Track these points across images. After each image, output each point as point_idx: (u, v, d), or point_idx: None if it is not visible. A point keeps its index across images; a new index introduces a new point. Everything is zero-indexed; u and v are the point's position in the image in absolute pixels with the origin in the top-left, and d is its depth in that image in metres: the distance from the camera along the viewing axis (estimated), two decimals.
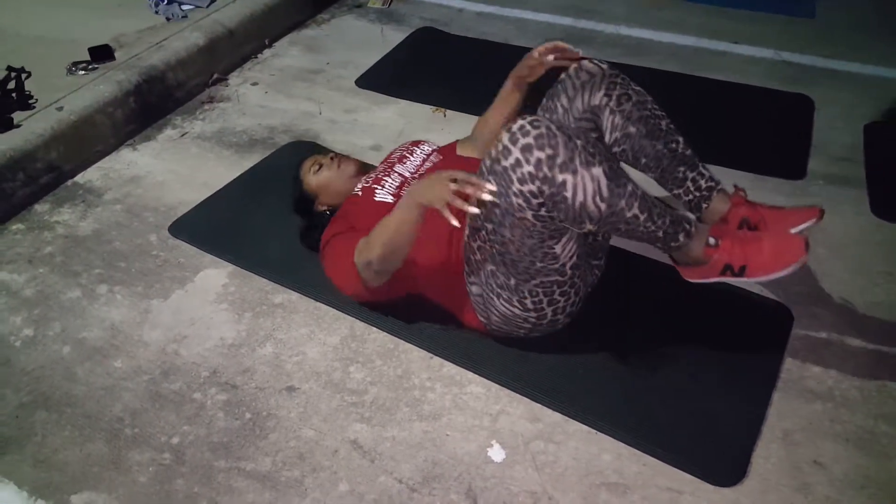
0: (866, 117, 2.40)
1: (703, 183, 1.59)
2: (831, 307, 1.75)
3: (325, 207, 1.88)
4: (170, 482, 1.46)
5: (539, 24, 3.15)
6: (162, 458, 1.51)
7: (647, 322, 1.72)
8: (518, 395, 1.58)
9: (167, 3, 2.94)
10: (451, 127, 2.49)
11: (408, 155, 1.88)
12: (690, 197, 1.60)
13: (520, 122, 1.32)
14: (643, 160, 1.60)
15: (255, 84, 2.82)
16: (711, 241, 1.45)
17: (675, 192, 1.62)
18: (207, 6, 2.98)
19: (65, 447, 1.54)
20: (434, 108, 2.59)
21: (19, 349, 1.76)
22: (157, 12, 2.95)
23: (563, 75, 1.63)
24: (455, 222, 1.31)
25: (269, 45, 3.07)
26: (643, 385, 1.57)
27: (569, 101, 1.60)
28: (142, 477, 1.47)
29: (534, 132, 1.29)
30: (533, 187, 1.30)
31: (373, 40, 3.07)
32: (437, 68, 2.85)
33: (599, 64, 1.60)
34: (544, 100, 1.67)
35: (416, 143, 1.94)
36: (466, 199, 1.32)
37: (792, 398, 1.54)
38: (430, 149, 1.92)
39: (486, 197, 1.30)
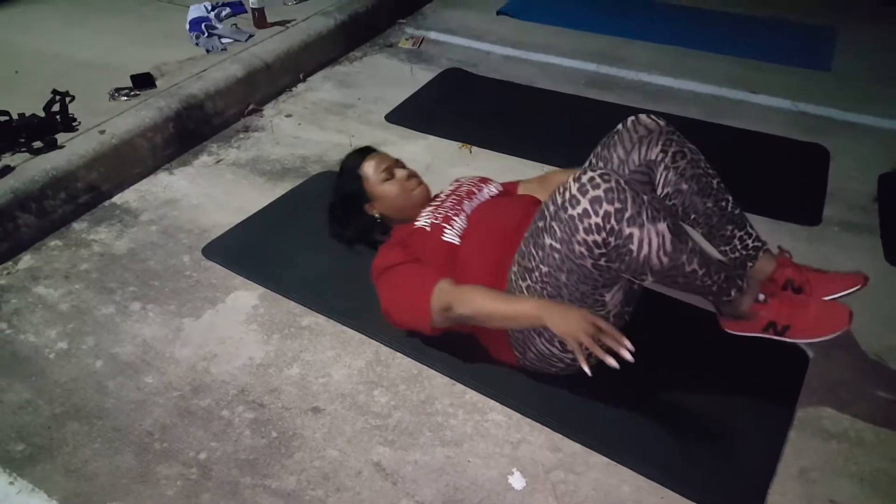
0: (881, 167, 2.46)
1: (749, 242, 1.64)
2: (846, 350, 1.78)
3: (376, 214, 1.91)
4: (196, 497, 1.49)
5: (564, 69, 3.25)
6: (189, 472, 1.54)
7: (667, 359, 1.75)
8: (539, 425, 1.61)
9: (208, 36, 3.07)
10: (477, 163, 2.56)
11: (476, 192, 1.88)
12: (737, 255, 1.65)
13: (590, 173, 1.36)
14: (693, 216, 1.64)
15: (289, 116, 2.92)
16: (761, 297, 1.51)
17: (722, 248, 1.66)
18: (246, 40, 3.11)
19: (95, 459, 1.58)
20: (461, 144, 2.67)
21: (53, 361, 1.82)
22: (197, 44, 3.07)
23: (619, 126, 1.69)
24: (587, 369, 1.37)
25: (304, 80, 3.18)
26: (663, 420, 1.60)
27: (625, 153, 1.65)
28: (169, 491, 1.51)
29: (604, 185, 1.34)
30: (598, 238, 1.35)
31: (402, 78, 3.17)
32: (463, 107, 2.95)
33: (657, 120, 1.67)
34: (598, 148, 1.73)
35: (484, 181, 1.95)
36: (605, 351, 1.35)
37: (808, 437, 1.57)
38: (497, 190, 1.93)
39: (627, 357, 1.32)
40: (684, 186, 1.62)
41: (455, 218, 1.77)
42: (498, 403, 1.67)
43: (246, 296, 2.00)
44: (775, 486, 1.47)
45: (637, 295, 1.68)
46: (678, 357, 1.76)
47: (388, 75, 3.22)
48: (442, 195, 1.91)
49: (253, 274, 2.06)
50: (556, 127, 2.76)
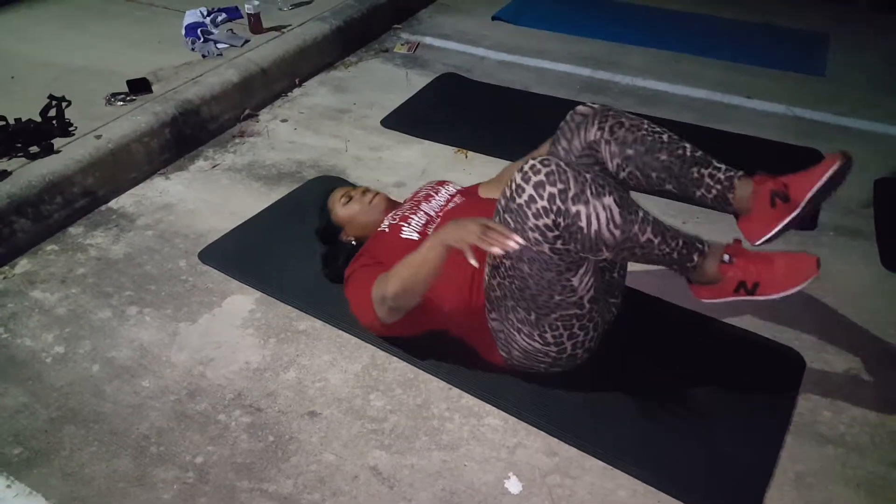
0: (877, 172, 2.47)
1: (721, 175, 1.58)
2: (842, 355, 1.79)
3: (350, 239, 1.95)
4: (193, 500, 1.49)
5: (558, 74, 3.26)
6: (186, 476, 1.54)
7: (663, 364, 1.76)
8: (535, 429, 1.62)
9: (203, 42, 3.07)
10: (472, 167, 2.57)
11: (433, 194, 1.95)
12: (714, 192, 1.59)
13: (531, 161, 1.40)
14: (654, 175, 1.60)
15: (284, 120, 2.92)
16: (726, 258, 1.49)
17: (698, 193, 1.60)
18: (242, 45, 3.11)
19: (92, 462, 1.58)
20: (456, 149, 2.68)
21: (50, 365, 1.82)
22: (193, 49, 3.07)
23: (561, 123, 1.73)
24: (474, 262, 1.37)
25: (299, 85, 3.18)
26: (659, 424, 1.61)
27: (568, 143, 1.69)
28: (166, 494, 1.51)
29: (544, 170, 1.38)
30: (548, 220, 1.37)
31: (398, 83, 3.18)
32: (459, 112, 2.96)
33: (592, 105, 1.71)
34: (549, 146, 1.78)
35: (442, 183, 2.01)
36: (491, 244, 1.36)
37: (804, 442, 1.58)
38: (455, 189, 1.99)
39: (513, 245, 1.34)
40: (630, 151, 1.60)
41: (412, 216, 1.83)
42: (494, 408, 1.67)
43: (242, 300, 2.00)
44: (772, 490, 1.48)
45: (620, 285, 1.70)
46: (674, 362, 1.76)
47: (384, 80, 3.23)
48: (403, 202, 1.97)
49: (249, 278, 2.06)
50: (550, 132, 2.74)
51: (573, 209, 1.37)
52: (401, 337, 1.78)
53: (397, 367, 1.78)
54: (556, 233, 1.39)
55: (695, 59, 3.36)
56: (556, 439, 1.59)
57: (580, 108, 1.73)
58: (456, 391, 1.71)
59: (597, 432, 1.59)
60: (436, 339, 1.76)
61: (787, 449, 1.56)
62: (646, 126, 1.63)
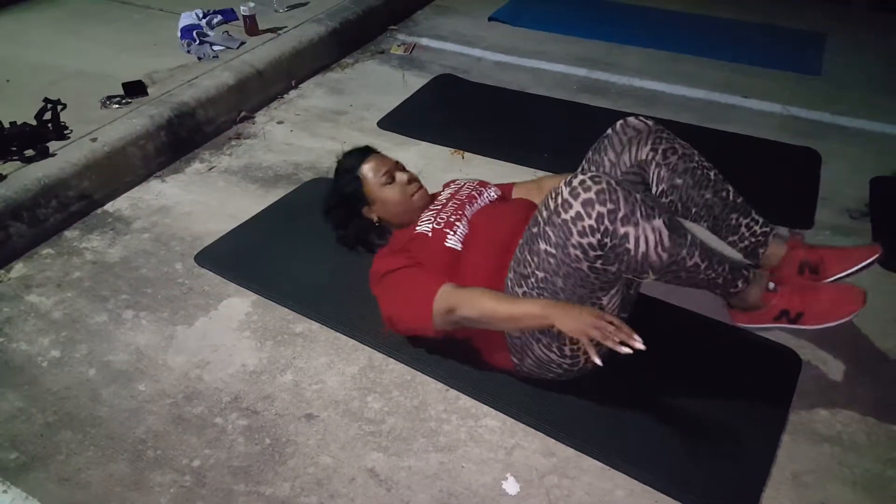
0: (873, 171, 2.47)
1: (757, 228, 1.62)
2: (840, 353, 1.78)
3: (374, 217, 1.88)
4: None
5: (555, 75, 3.26)
6: (183, 480, 1.54)
7: (659, 363, 1.75)
8: (532, 430, 1.62)
9: (199, 44, 3.07)
10: (469, 168, 2.57)
11: (476, 196, 1.86)
12: (746, 243, 1.63)
13: (580, 177, 1.37)
14: (693, 210, 1.64)
15: (280, 122, 2.92)
16: (771, 285, 1.49)
17: (731, 239, 1.65)
18: (238, 47, 3.11)
19: (88, 467, 1.57)
20: (453, 150, 2.68)
21: (46, 370, 1.81)
22: (189, 52, 3.07)
23: (609, 130, 1.69)
24: (599, 361, 1.34)
25: (296, 86, 3.18)
26: (656, 424, 1.61)
27: (616, 156, 1.66)
28: (163, 498, 1.50)
29: (595, 187, 1.34)
30: (593, 240, 1.35)
31: (394, 85, 3.18)
32: (456, 113, 2.95)
33: (645, 120, 1.67)
34: (590, 153, 1.73)
35: (484, 185, 1.94)
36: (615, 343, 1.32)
37: (801, 441, 1.58)
38: (496, 195, 1.91)
39: (639, 347, 1.30)
40: (679, 181, 1.61)
41: (457, 223, 1.74)
42: (491, 409, 1.67)
43: (239, 303, 2.00)
44: (769, 489, 1.48)
45: (632, 300, 1.69)
46: (671, 361, 1.76)
47: (380, 82, 3.23)
48: (441, 198, 1.88)
49: (246, 281, 2.06)
50: (548, 132, 2.77)
51: (622, 230, 1.35)
52: (426, 338, 1.71)
53: (394, 369, 1.78)
54: (600, 252, 1.37)
55: (692, 59, 3.36)
56: (553, 440, 1.59)
57: (633, 120, 1.68)
58: (453, 393, 1.71)
59: (594, 433, 1.59)
60: (434, 341, 1.75)
61: (783, 448, 1.56)
62: (696, 158, 1.64)
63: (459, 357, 1.75)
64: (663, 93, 3.09)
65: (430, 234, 1.74)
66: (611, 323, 1.34)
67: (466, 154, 2.66)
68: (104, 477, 1.55)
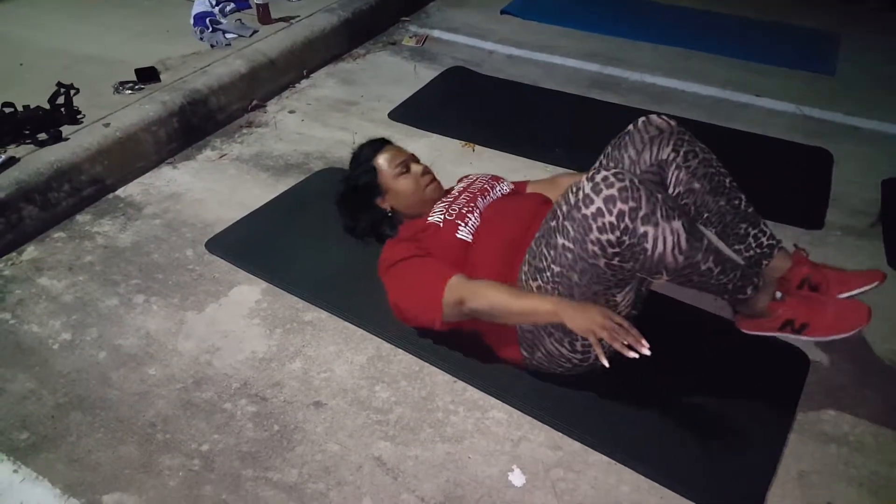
0: (885, 173, 2.46)
1: (764, 240, 1.63)
2: (848, 355, 1.78)
3: (388, 207, 1.89)
4: (198, 488, 1.50)
5: (566, 69, 3.26)
6: (192, 464, 1.55)
7: (667, 361, 1.75)
8: (539, 423, 1.62)
9: (212, 31, 3.08)
10: (479, 161, 2.57)
11: (489, 189, 1.88)
12: (751, 253, 1.64)
13: (603, 172, 1.36)
14: (706, 215, 1.64)
15: (292, 112, 2.92)
16: (778, 295, 1.50)
17: (737, 247, 1.66)
18: (250, 36, 3.12)
19: (98, 448, 1.59)
20: (463, 142, 2.68)
21: (57, 352, 1.82)
22: (202, 39, 3.08)
23: (630, 127, 1.69)
24: (606, 362, 1.36)
25: (307, 76, 3.19)
26: (662, 420, 1.61)
27: (637, 154, 1.65)
28: (171, 481, 1.52)
29: (618, 184, 1.34)
30: (612, 237, 1.35)
31: (406, 76, 3.18)
32: (467, 105, 2.95)
33: (668, 120, 1.67)
34: (609, 148, 1.72)
35: (496, 179, 1.95)
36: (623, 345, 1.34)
37: (807, 440, 1.58)
38: (509, 189, 1.93)
39: (646, 352, 1.32)
40: (696, 185, 1.62)
41: (469, 215, 1.76)
42: (499, 401, 1.67)
43: (249, 290, 2.01)
44: (774, 488, 1.48)
45: (643, 297, 1.69)
46: (679, 358, 1.76)
47: (392, 73, 3.23)
48: (454, 191, 1.90)
49: (256, 268, 2.07)
50: (558, 127, 2.77)
51: (641, 229, 1.34)
52: (435, 330, 1.71)
53: (402, 360, 1.79)
54: (618, 250, 1.37)
55: (705, 56, 3.35)
56: (560, 433, 1.60)
57: (655, 119, 1.67)
58: (461, 384, 1.72)
59: (601, 427, 1.59)
60: (444, 333, 1.75)
61: (790, 447, 1.56)
62: (714, 163, 1.64)
63: (467, 349, 1.76)
64: (675, 89, 3.08)
65: (441, 224, 1.75)
66: (620, 325, 1.35)
67: (477, 147, 2.66)
68: (113, 459, 1.57)
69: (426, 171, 1.90)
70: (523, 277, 1.56)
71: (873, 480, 1.50)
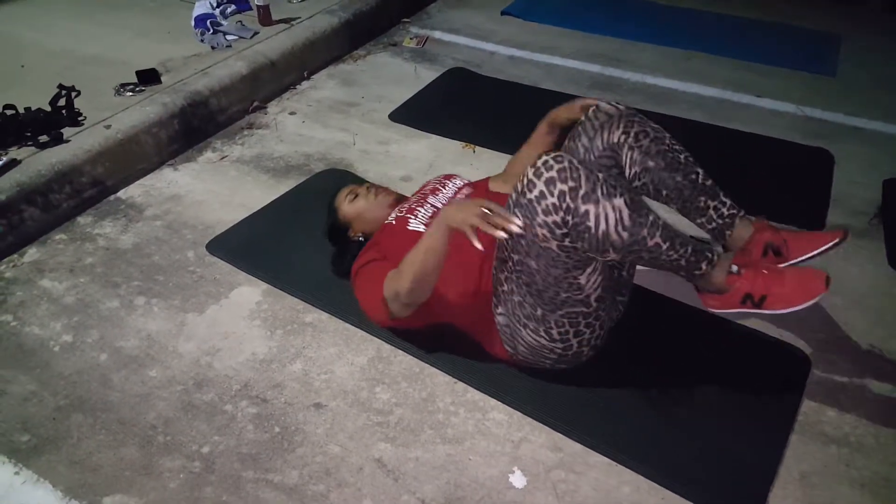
0: (886, 173, 2.46)
1: (724, 210, 1.65)
2: (849, 354, 1.78)
3: (358, 235, 1.94)
4: (199, 489, 1.50)
5: (567, 70, 3.26)
6: (192, 466, 1.55)
7: (668, 361, 1.76)
8: (540, 424, 1.62)
9: (213, 33, 3.08)
10: (480, 162, 2.57)
11: (440, 188, 1.94)
12: (713, 225, 1.66)
13: (544, 157, 1.39)
14: (664, 192, 1.66)
15: (292, 113, 2.93)
16: (734, 268, 1.50)
17: (699, 220, 1.68)
18: (251, 37, 3.12)
19: (99, 450, 1.59)
20: (464, 143, 2.68)
21: (58, 354, 1.83)
22: (202, 41, 3.08)
23: (582, 117, 1.72)
24: (479, 245, 1.36)
25: (308, 77, 3.19)
26: (664, 421, 1.61)
27: (589, 141, 1.68)
28: (172, 483, 1.52)
29: (557, 166, 1.37)
30: (557, 218, 1.37)
31: (406, 77, 3.18)
32: (467, 106, 2.95)
33: (617, 105, 1.69)
34: (566, 142, 1.76)
35: (449, 177, 2.01)
36: (495, 227, 1.36)
37: (809, 441, 1.58)
38: (462, 183, 1.98)
39: (514, 229, 1.35)
40: (651, 164, 1.63)
41: (419, 209, 1.81)
42: (499, 402, 1.67)
43: (249, 291, 2.01)
44: (776, 489, 1.48)
45: (628, 283, 1.70)
46: (680, 359, 1.77)
47: (392, 74, 3.23)
48: (410, 196, 1.96)
49: (257, 270, 2.07)
50: (565, 130, 2.76)
51: (582, 208, 1.36)
52: (408, 328, 1.78)
53: (403, 361, 1.79)
54: (565, 230, 1.38)
55: (705, 57, 3.35)
56: (560, 434, 1.60)
57: (604, 105, 1.70)
58: (461, 385, 1.72)
59: (601, 428, 1.59)
60: (441, 333, 1.76)
61: (791, 448, 1.56)
62: (667, 140, 1.66)
63: (467, 350, 1.76)
64: (676, 90, 3.08)
65: (394, 222, 1.81)
66: (490, 210, 1.35)
67: (477, 148, 2.66)
68: (114, 461, 1.57)
69: (368, 186, 1.98)
70: (494, 272, 1.59)
71: (875, 481, 1.49)
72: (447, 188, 1.94)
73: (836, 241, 1.57)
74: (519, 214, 1.41)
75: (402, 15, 3.78)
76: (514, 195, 1.44)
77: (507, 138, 2.68)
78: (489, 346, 1.72)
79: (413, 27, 3.71)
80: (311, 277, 2.02)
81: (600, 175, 1.39)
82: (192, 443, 1.60)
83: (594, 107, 1.70)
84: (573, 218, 1.37)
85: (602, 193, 1.37)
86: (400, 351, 1.81)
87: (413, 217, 1.80)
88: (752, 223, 1.65)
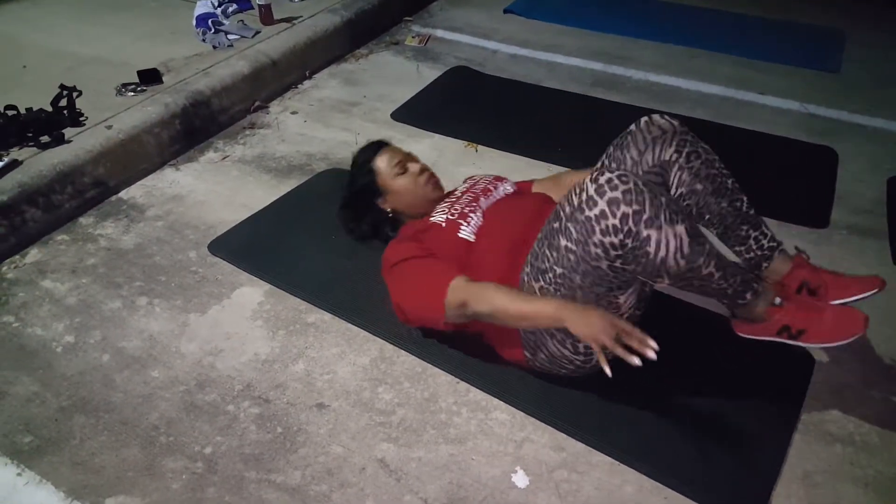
0: (890, 171, 2.45)
1: (765, 242, 1.63)
2: (853, 353, 1.77)
3: (388, 208, 1.90)
4: (202, 490, 1.50)
5: (570, 68, 3.25)
6: (195, 466, 1.55)
7: (672, 361, 1.74)
8: (542, 424, 1.62)
9: (214, 33, 3.08)
10: (483, 161, 2.56)
11: (491, 189, 1.87)
12: (752, 255, 1.64)
13: (607, 174, 1.35)
14: (707, 216, 1.64)
15: (294, 113, 2.92)
16: (777, 300, 1.49)
17: (737, 249, 1.66)
18: (252, 37, 3.11)
19: (101, 451, 1.59)
20: (466, 142, 2.68)
21: (60, 355, 1.83)
22: (204, 40, 3.08)
23: (632, 127, 1.68)
24: (608, 371, 1.33)
25: (310, 77, 3.18)
26: (666, 420, 1.61)
27: (639, 154, 1.65)
28: (175, 484, 1.52)
29: (622, 187, 1.33)
30: (615, 240, 1.34)
31: (408, 76, 3.18)
32: (470, 105, 2.95)
33: (671, 120, 1.66)
34: (611, 149, 1.72)
35: (499, 179, 1.94)
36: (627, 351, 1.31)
37: (812, 440, 1.57)
38: (512, 189, 1.91)
39: (651, 355, 1.29)
40: (699, 187, 1.61)
41: (471, 215, 1.75)
42: (502, 402, 1.67)
43: (251, 292, 2.01)
44: (779, 488, 1.47)
45: (648, 297, 1.68)
46: (683, 359, 1.75)
47: (394, 73, 3.23)
48: (457, 192, 1.89)
49: (258, 270, 2.07)
50: (562, 126, 2.76)
51: (644, 233, 1.33)
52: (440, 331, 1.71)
53: (405, 361, 1.78)
54: (620, 253, 1.36)
55: (708, 54, 3.34)
56: (563, 434, 1.59)
57: (658, 119, 1.67)
58: (464, 385, 1.71)
59: (604, 428, 1.59)
60: (445, 333, 1.75)
61: (795, 447, 1.55)
62: (717, 164, 1.63)
63: (470, 350, 1.75)
64: (679, 88, 3.07)
65: (444, 224, 1.74)
66: (622, 330, 1.32)
67: (480, 147, 2.65)
68: (117, 462, 1.57)
69: (423, 169, 1.91)
70: (525, 279, 1.55)
71: (879, 481, 1.49)
72: (498, 191, 1.87)
73: (875, 290, 1.55)
74: (572, 229, 1.39)
75: (403, 13, 3.77)
76: (567, 208, 1.41)
77: (509, 137, 2.69)
78: (504, 350, 1.70)
79: (415, 26, 3.70)
80: (314, 278, 2.02)
81: (664, 199, 1.36)
82: (194, 443, 1.60)
83: (647, 118, 1.67)
84: (633, 242, 1.34)
85: (665, 219, 1.34)
86: (402, 351, 1.81)
87: (465, 224, 1.72)
88: (791, 259, 1.63)
